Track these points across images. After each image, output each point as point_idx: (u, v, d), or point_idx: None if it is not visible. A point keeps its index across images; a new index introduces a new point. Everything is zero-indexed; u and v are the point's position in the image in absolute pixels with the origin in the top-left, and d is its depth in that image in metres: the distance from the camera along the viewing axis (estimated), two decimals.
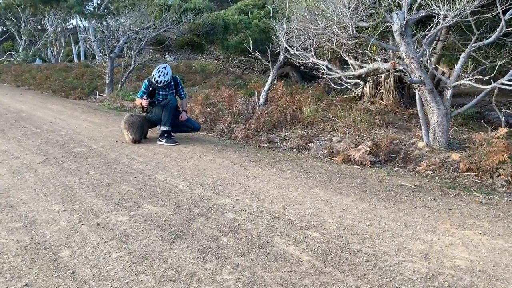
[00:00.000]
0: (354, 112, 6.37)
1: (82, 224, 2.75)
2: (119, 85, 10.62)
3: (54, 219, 2.84)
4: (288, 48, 6.15)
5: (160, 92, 5.17)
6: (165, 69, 4.98)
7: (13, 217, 2.90)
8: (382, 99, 8.34)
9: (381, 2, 4.62)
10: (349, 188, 3.46)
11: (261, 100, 7.25)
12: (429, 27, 4.39)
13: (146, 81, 5.16)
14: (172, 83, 5.21)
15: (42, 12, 22.47)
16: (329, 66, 5.37)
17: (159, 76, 4.95)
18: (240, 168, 4.04)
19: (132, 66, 10.72)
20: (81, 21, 24.43)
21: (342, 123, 6.02)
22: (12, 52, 23.77)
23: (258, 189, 3.40)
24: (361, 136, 5.25)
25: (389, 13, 4.60)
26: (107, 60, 10.53)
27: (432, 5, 4.24)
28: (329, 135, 5.64)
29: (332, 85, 6.95)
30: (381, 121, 5.89)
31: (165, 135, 5.09)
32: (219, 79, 11.73)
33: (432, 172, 4.01)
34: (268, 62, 7.45)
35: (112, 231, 2.64)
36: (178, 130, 5.31)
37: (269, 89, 7.35)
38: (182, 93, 5.37)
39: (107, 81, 10.48)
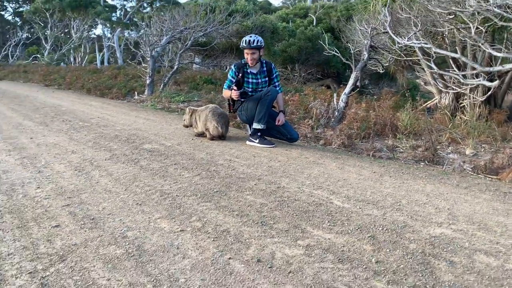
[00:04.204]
0: (466, 123, 5.27)
1: (230, 259, 1.59)
2: (161, 86, 9.63)
3: (175, 245, 1.69)
4: (396, 38, 5.03)
5: (250, 80, 4.04)
6: (254, 35, 4.06)
7: (104, 236, 1.75)
8: (463, 113, 7.18)
9: None
10: None
11: (341, 104, 6.13)
12: None
13: (233, 67, 4.07)
14: (265, 68, 4.10)
15: (69, 17, 22.02)
16: (464, 59, 4.23)
17: (250, 36, 4.03)
18: (395, 180, 2.83)
19: (176, 67, 9.75)
20: (106, 30, 24.11)
21: (457, 134, 4.89)
22: (38, 55, 23.28)
23: (477, 217, 2.12)
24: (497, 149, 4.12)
25: None
26: (148, 59, 9.56)
27: None
28: (450, 147, 4.49)
29: (440, 84, 5.84)
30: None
31: (258, 134, 3.93)
32: None
33: None
34: (349, 61, 6.35)
35: (293, 276, 1.47)
36: (268, 134, 4.10)
37: (350, 92, 6.25)
38: (277, 83, 4.21)
39: (147, 82, 9.47)
